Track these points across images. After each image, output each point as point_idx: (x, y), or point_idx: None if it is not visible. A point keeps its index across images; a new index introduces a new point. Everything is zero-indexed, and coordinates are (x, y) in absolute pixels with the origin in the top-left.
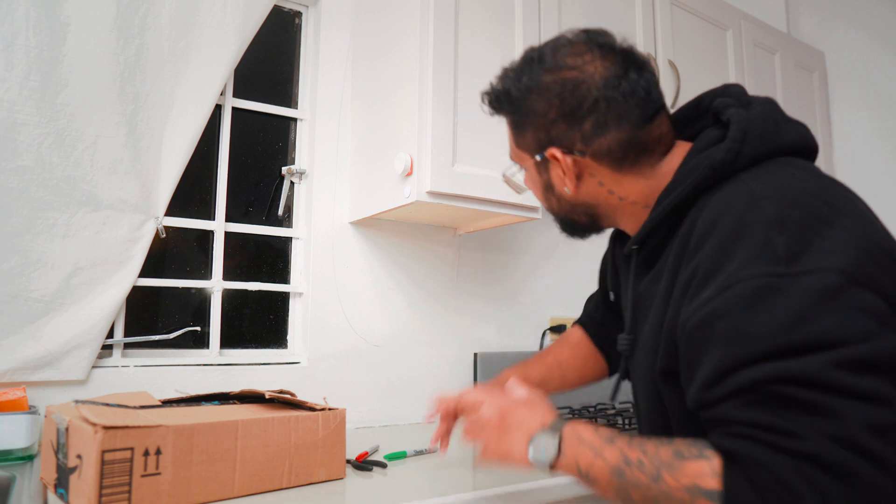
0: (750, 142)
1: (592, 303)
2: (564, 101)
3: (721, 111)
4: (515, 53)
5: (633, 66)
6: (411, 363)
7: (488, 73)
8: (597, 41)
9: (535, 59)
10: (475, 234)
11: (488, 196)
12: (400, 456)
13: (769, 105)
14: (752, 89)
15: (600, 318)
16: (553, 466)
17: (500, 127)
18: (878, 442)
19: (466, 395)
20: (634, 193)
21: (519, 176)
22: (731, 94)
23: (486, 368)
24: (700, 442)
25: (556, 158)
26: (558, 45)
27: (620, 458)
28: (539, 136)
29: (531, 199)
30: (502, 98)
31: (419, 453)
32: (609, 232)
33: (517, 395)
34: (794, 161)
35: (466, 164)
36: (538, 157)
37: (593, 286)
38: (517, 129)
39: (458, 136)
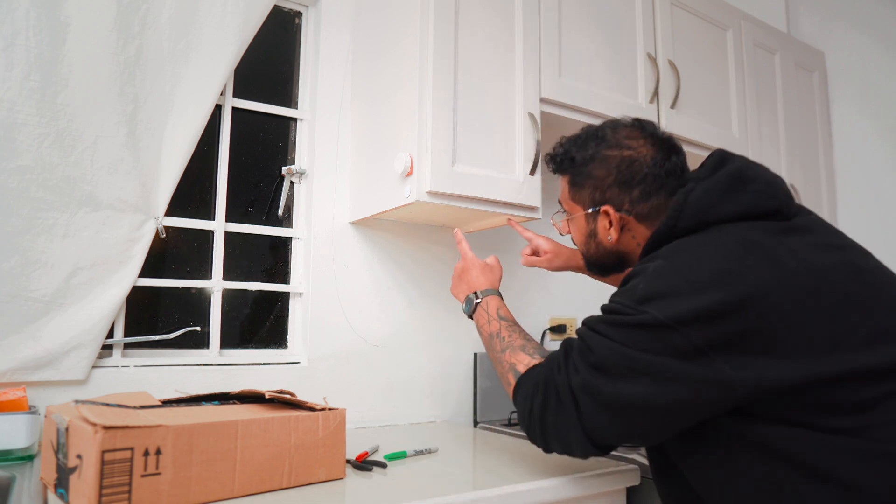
0: (683, 218)
1: None
2: (621, 172)
3: (687, 181)
4: (515, 53)
5: (672, 151)
6: (411, 363)
7: (488, 73)
8: (647, 129)
9: (598, 136)
10: (475, 234)
11: (488, 196)
12: (400, 456)
13: (722, 179)
14: (752, 89)
15: None
16: (469, 317)
17: (499, 127)
18: (585, 399)
19: (464, 246)
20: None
21: (559, 217)
22: (706, 164)
23: (487, 368)
24: (543, 349)
25: (607, 214)
26: (617, 127)
27: (496, 330)
28: (595, 195)
29: (531, 199)
30: (567, 162)
31: (419, 453)
32: None
33: (487, 259)
34: (723, 231)
35: (466, 164)
36: (591, 210)
37: (593, 286)
38: (575, 186)
39: (458, 136)
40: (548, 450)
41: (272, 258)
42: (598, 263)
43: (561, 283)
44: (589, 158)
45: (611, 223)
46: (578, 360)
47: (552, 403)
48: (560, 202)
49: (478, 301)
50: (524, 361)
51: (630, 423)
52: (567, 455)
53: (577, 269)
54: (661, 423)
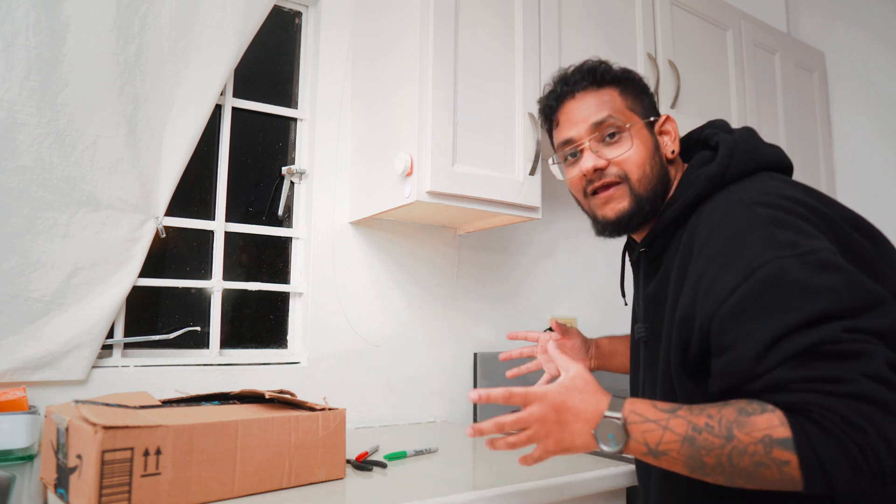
0: (736, 157)
1: None
2: (652, 93)
3: (709, 138)
4: (516, 53)
5: None
6: (411, 363)
7: (488, 73)
8: None
9: (610, 63)
10: (475, 234)
11: (488, 196)
12: (400, 456)
13: (749, 131)
14: (752, 89)
15: None
16: (622, 451)
17: (499, 127)
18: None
19: (515, 391)
20: (674, 185)
21: (559, 167)
22: (716, 126)
23: (486, 368)
24: (755, 400)
25: (670, 122)
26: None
27: (688, 427)
28: (649, 105)
29: (531, 199)
30: (615, 69)
31: (419, 453)
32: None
33: (563, 381)
34: (773, 175)
35: (466, 164)
36: (653, 119)
37: (592, 286)
38: (634, 95)
39: (458, 136)
40: None
41: (272, 258)
42: (649, 195)
43: (561, 283)
44: (628, 72)
45: (674, 135)
46: (830, 361)
47: (878, 414)
48: (596, 125)
49: (622, 420)
50: (769, 423)
51: None
52: None
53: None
54: None
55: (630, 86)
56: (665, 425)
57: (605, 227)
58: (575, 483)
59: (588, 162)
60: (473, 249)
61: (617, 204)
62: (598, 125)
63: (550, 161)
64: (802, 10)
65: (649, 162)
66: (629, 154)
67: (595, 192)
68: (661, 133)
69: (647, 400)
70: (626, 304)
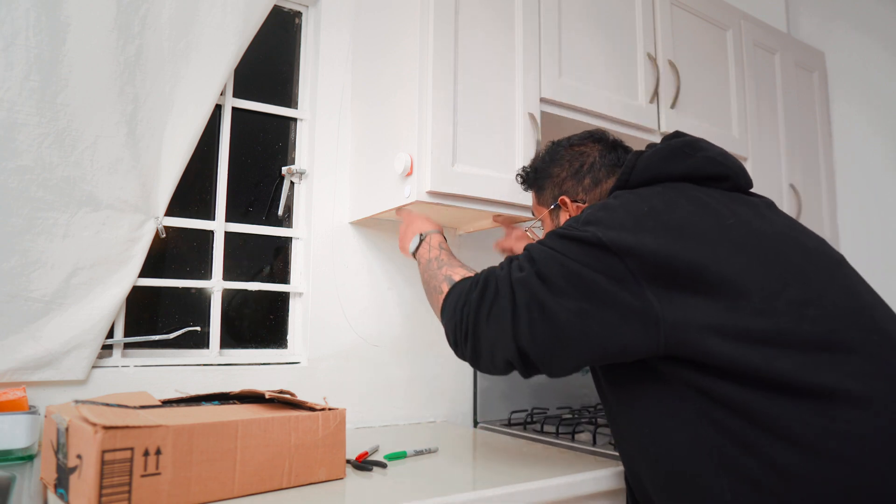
0: (635, 173)
1: None
2: (572, 166)
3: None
4: (516, 53)
5: (619, 146)
6: (411, 363)
7: (488, 73)
8: (596, 135)
9: (555, 145)
10: (475, 234)
11: (488, 196)
12: (400, 456)
13: (670, 145)
14: (752, 89)
15: None
16: (414, 256)
17: (500, 127)
18: (522, 291)
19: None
20: None
21: (537, 230)
22: (667, 137)
23: None
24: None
25: (564, 203)
26: (571, 138)
27: (435, 255)
28: (554, 191)
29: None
30: (531, 173)
31: (419, 453)
32: None
33: (423, 214)
34: (669, 185)
35: (466, 164)
36: (552, 206)
37: None
38: (539, 191)
39: (458, 136)
40: (474, 355)
41: (272, 258)
42: None
43: None
44: (548, 162)
45: (569, 213)
46: (523, 262)
47: (489, 295)
48: (533, 215)
49: (422, 238)
50: (461, 273)
51: (557, 336)
52: (489, 364)
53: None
54: (587, 347)
55: (540, 180)
56: (429, 250)
57: None
58: (575, 483)
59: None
60: (473, 249)
61: None
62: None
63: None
64: (802, 10)
65: None
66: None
67: None
68: (566, 206)
69: (446, 241)
70: None
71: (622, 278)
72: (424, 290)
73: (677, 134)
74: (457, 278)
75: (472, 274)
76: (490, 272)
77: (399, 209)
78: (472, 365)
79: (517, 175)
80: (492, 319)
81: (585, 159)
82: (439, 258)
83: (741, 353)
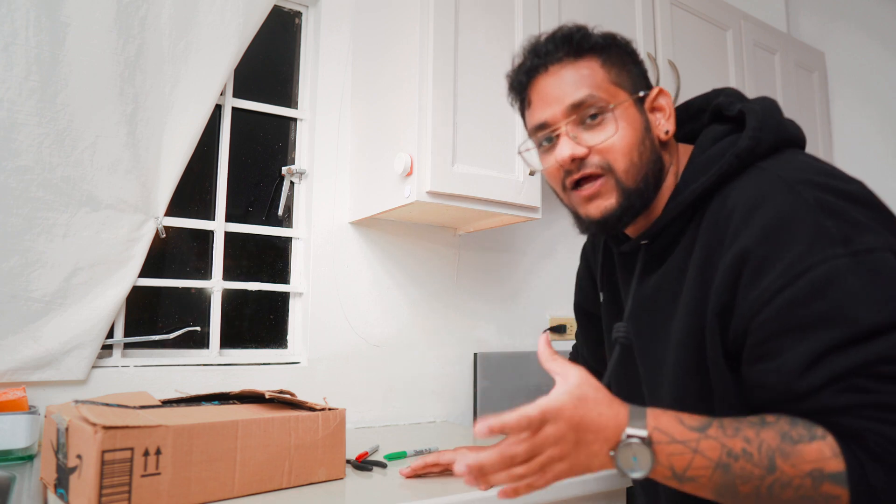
0: (767, 131)
1: (580, 357)
2: (642, 60)
3: (725, 108)
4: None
5: None
6: (411, 363)
7: (488, 73)
8: None
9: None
10: (475, 234)
11: (488, 196)
12: (400, 456)
13: (772, 102)
14: (753, 89)
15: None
16: (646, 476)
17: (499, 127)
18: None
19: (513, 419)
20: (677, 164)
21: (532, 154)
22: (729, 94)
23: (487, 368)
24: (801, 420)
25: (663, 99)
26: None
27: (722, 452)
28: (638, 76)
29: (531, 199)
30: (595, 37)
31: (419, 453)
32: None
33: (570, 390)
34: (799, 151)
35: (466, 164)
36: (642, 93)
37: None
38: (619, 65)
39: (458, 136)
40: None
41: (272, 258)
42: (639, 185)
43: (561, 283)
44: (611, 37)
45: (668, 112)
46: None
47: None
48: (574, 106)
49: (647, 440)
50: (819, 454)
51: None
52: None
53: None
54: None
55: (614, 54)
56: (695, 448)
57: (590, 227)
58: (575, 483)
59: (565, 150)
60: (473, 249)
61: (603, 201)
62: (577, 106)
63: (521, 147)
64: (802, 10)
65: (638, 148)
66: (614, 140)
67: (576, 186)
68: (652, 109)
69: (672, 413)
70: (601, 300)
71: None
72: (731, 499)
73: (721, 91)
74: (833, 465)
75: (827, 440)
76: (893, 426)
77: (504, 426)
78: None
79: (556, 38)
80: None
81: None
82: (733, 453)
83: None
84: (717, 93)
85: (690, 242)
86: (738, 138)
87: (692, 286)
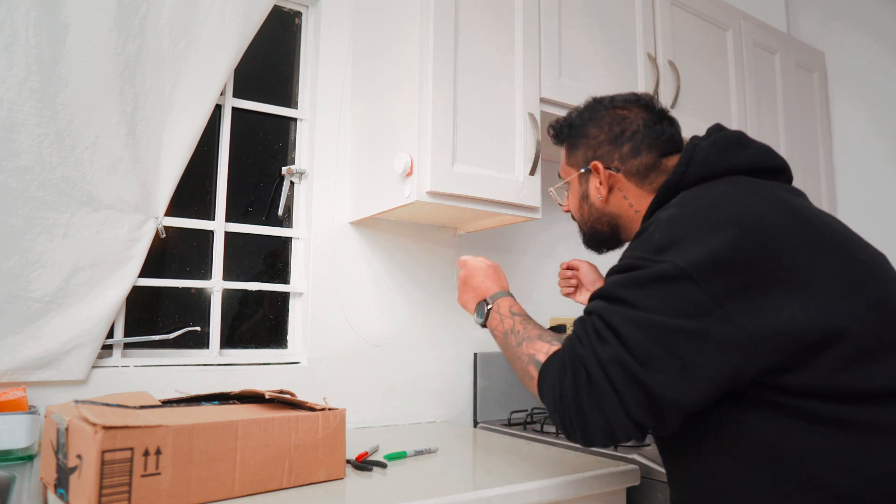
0: (694, 164)
1: None
2: (612, 129)
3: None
4: (516, 53)
5: (664, 118)
6: (411, 363)
7: (488, 73)
8: (643, 100)
9: (596, 102)
10: (475, 234)
11: (488, 196)
12: (400, 456)
13: (725, 137)
14: (753, 89)
15: None
16: (483, 325)
17: (499, 127)
18: (618, 373)
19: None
20: (644, 206)
21: (562, 192)
22: (709, 131)
23: (487, 368)
24: (561, 335)
25: (596, 170)
26: (615, 97)
27: (510, 328)
28: (587, 154)
29: (531, 199)
30: (565, 128)
31: (419, 453)
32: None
33: (484, 262)
34: (732, 180)
35: (466, 164)
36: (583, 170)
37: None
38: (571, 149)
39: (458, 136)
40: (588, 440)
41: (272, 258)
42: (592, 232)
43: None
44: (586, 120)
45: (601, 181)
46: (602, 330)
47: (582, 380)
48: (559, 176)
49: (489, 307)
50: (543, 349)
51: (668, 402)
52: (609, 442)
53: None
54: (698, 394)
55: (574, 138)
56: (501, 320)
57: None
58: (575, 483)
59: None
60: (473, 249)
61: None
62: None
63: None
64: (802, 10)
65: (579, 210)
66: (568, 204)
67: None
68: (598, 175)
69: (515, 304)
70: None
71: (705, 311)
72: (511, 365)
73: (719, 127)
74: (541, 357)
75: (555, 347)
76: (573, 352)
77: (462, 261)
78: (591, 446)
79: (549, 127)
80: (596, 408)
81: (628, 125)
82: (514, 329)
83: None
84: (708, 130)
85: None
86: (670, 174)
87: None
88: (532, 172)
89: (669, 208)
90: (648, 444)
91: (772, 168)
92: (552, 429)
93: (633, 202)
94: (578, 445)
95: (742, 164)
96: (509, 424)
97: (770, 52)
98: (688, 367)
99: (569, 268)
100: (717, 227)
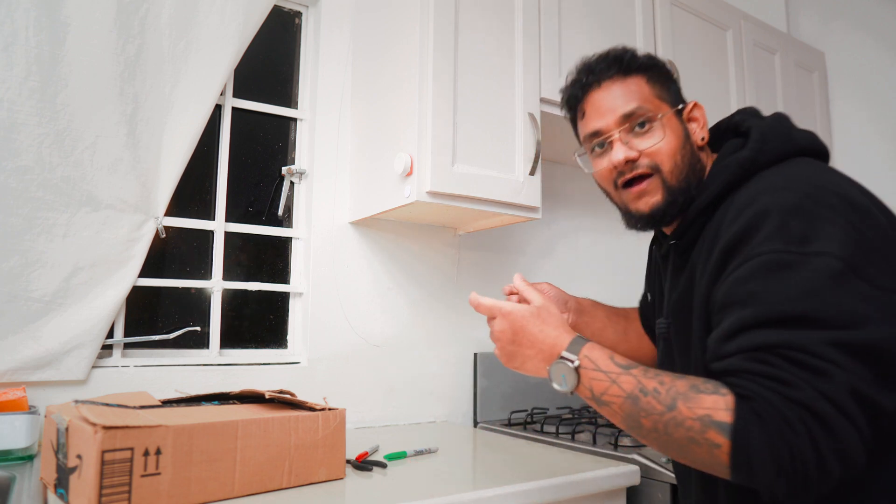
0: (769, 142)
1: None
2: (676, 79)
3: (740, 125)
4: (516, 53)
5: None
6: (411, 363)
7: (488, 73)
8: None
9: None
10: (475, 234)
11: (488, 196)
12: (400, 456)
13: (781, 116)
14: (752, 89)
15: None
16: (571, 393)
17: (499, 127)
18: (854, 406)
19: (484, 301)
20: (706, 173)
21: (585, 159)
22: (746, 113)
23: (487, 368)
24: (714, 380)
25: (698, 108)
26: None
27: (636, 386)
28: (676, 92)
29: (531, 199)
30: (653, 58)
31: (419, 453)
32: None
33: (531, 298)
34: (808, 160)
35: (466, 164)
36: (681, 106)
37: (592, 286)
38: (661, 83)
39: (458, 136)
40: (819, 492)
41: (272, 258)
42: (683, 184)
43: (560, 283)
44: (654, 58)
45: (701, 121)
46: (814, 364)
47: (816, 428)
48: (625, 116)
49: (576, 364)
50: (719, 404)
51: None
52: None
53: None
54: None
55: (656, 73)
56: (614, 379)
57: (638, 221)
58: (575, 483)
59: (619, 154)
60: (473, 249)
61: (651, 198)
62: (628, 116)
63: (576, 154)
64: (802, 10)
65: (680, 151)
66: (661, 145)
67: (627, 185)
68: (689, 120)
69: (609, 351)
70: (648, 300)
71: (887, 288)
72: (648, 437)
73: (755, 111)
74: (723, 417)
75: (727, 396)
76: (786, 399)
77: (477, 303)
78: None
79: (609, 58)
80: (836, 456)
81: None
82: (646, 388)
83: None
84: (738, 112)
85: (702, 244)
86: (743, 150)
87: (698, 280)
88: (532, 172)
89: (768, 192)
90: None
91: (824, 151)
92: (552, 429)
93: (705, 159)
94: (578, 445)
95: (806, 145)
96: (509, 424)
97: (770, 52)
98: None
99: (511, 293)
100: (842, 211)
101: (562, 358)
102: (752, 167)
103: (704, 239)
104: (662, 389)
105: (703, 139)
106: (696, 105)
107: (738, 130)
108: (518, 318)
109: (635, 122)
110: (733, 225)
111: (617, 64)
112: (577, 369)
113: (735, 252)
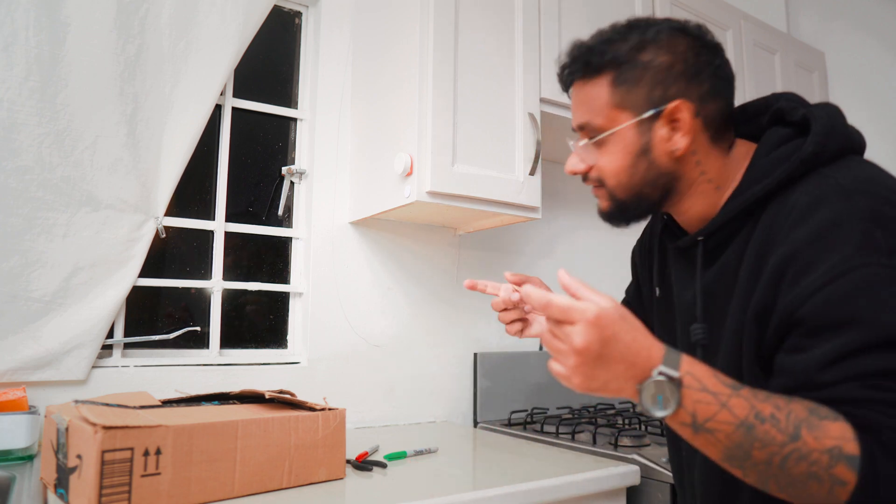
0: (831, 138)
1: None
2: (688, 60)
3: (788, 112)
4: (515, 53)
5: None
6: (411, 363)
7: (488, 73)
8: (693, 31)
9: (652, 21)
10: (475, 234)
11: (488, 196)
12: (400, 456)
13: (835, 109)
14: (752, 89)
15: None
16: (666, 417)
17: (499, 127)
18: None
19: (558, 302)
20: (713, 170)
21: (589, 150)
22: (793, 100)
23: (487, 368)
24: (823, 405)
25: (676, 113)
26: (672, 20)
27: (751, 412)
28: (654, 91)
29: (531, 199)
30: (607, 54)
31: (419, 453)
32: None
33: (603, 304)
34: (863, 159)
35: (466, 164)
36: (649, 113)
37: (592, 285)
38: (625, 84)
39: (458, 136)
40: None
41: (272, 258)
42: (635, 199)
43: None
44: (640, 44)
45: (681, 128)
46: None
47: None
48: (579, 127)
49: (677, 379)
50: (846, 435)
51: None
52: None
53: None
54: None
55: (629, 70)
56: (725, 402)
57: (601, 217)
58: (575, 483)
59: (570, 164)
60: (473, 249)
61: (601, 202)
62: (580, 128)
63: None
64: (802, 10)
65: (628, 170)
66: (603, 164)
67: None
68: (672, 121)
69: (708, 366)
70: (657, 295)
71: None
72: (736, 462)
73: (793, 96)
74: (851, 449)
75: (846, 425)
76: (891, 432)
77: (548, 301)
78: None
79: (568, 60)
80: None
81: (708, 56)
82: (761, 415)
83: None
84: (776, 97)
85: (745, 240)
86: (803, 143)
87: (743, 284)
88: (532, 172)
89: (837, 195)
90: (648, 444)
91: (864, 150)
92: (552, 429)
93: (701, 160)
94: (578, 445)
95: (858, 143)
96: (509, 424)
97: (770, 52)
98: None
99: (519, 283)
100: None
101: (660, 374)
102: (813, 164)
103: (747, 237)
104: (781, 416)
105: (675, 151)
106: (679, 106)
107: (783, 119)
108: (609, 324)
109: (586, 135)
110: (796, 230)
111: (581, 62)
112: (679, 389)
113: (803, 262)
